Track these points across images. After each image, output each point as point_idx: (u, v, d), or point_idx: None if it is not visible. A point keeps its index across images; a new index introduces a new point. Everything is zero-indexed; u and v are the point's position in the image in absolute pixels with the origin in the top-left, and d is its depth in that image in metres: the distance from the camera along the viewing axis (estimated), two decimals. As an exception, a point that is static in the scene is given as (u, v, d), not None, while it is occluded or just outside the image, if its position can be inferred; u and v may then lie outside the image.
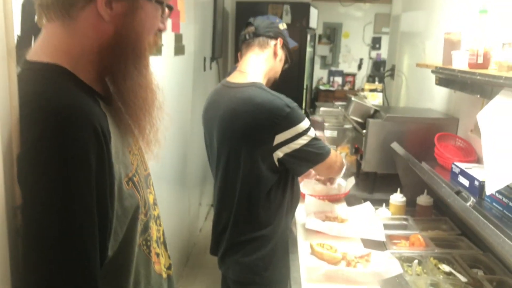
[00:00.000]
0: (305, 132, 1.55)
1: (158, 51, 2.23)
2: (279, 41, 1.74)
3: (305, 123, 1.56)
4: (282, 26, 2.25)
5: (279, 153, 1.54)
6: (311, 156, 1.59)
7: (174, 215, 2.86)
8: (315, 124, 2.25)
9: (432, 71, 1.98)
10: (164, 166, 2.51)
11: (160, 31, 0.90)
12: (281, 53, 1.75)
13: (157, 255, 0.98)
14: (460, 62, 1.74)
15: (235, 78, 1.70)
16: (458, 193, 1.41)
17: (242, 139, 1.57)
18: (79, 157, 0.70)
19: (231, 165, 1.62)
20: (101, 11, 0.78)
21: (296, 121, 1.53)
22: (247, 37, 1.73)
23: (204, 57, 3.65)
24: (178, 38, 2.66)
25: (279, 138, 1.52)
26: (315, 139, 1.59)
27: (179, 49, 2.69)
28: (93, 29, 0.79)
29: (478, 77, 1.50)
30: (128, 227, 0.83)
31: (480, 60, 1.60)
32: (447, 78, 1.85)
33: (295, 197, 1.72)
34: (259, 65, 1.71)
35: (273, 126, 1.51)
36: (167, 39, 2.40)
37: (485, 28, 1.63)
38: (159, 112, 0.90)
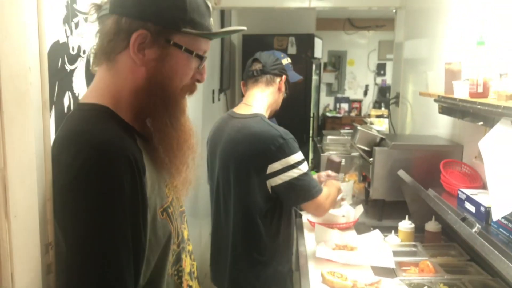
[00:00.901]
0: (296, 164, 1.62)
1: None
2: (283, 77, 1.87)
3: (298, 156, 1.64)
4: (287, 60, 2.38)
5: (271, 182, 1.63)
6: (299, 191, 1.65)
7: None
8: (330, 164, 2.29)
9: (435, 100, 2.04)
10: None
11: (198, 81, 0.96)
12: (284, 88, 1.89)
13: (190, 287, 1.03)
14: (461, 92, 1.80)
15: (241, 109, 1.82)
16: (463, 219, 1.45)
17: (241, 165, 1.67)
18: (115, 186, 0.77)
19: (231, 190, 1.71)
20: (133, 55, 0.86)
21: (289, 153, 1.62)
22: (255, 73, 1.84)
23: (213, 89, 3.76)
24: (188, 73, 2.76)
25: (271, 168, 1.62)
26: (305, 174, 1.64)
27: (189, 84, 2.79)
28: (130, 71, 0.88)
29: (479, 106, 1.56)
30: (160, 256, 0.89)
31: (480, 90, 1.66)
32: (450, 107, 1.91)
33: (292, 226, 1.79)
34: (264, 99, 1.84)
35: (267, 155, 1.62)
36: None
37: (483, 59, 1.70)
38: (191, 153, 0.97)
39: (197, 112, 3.16)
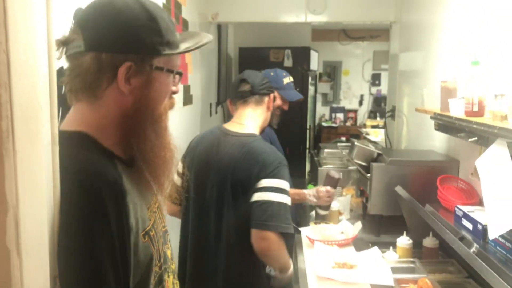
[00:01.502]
0: (283, 191, 1.64)
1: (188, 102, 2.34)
2: (271, 96, 1.93)
3: (287, 185, 1.67)
4: (289, 79, 2.46)
5: (254, 196, 1.63)
6: (266, 215, 1.60)
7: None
8: (329, 180, 2.33)
9: (431, 117, 2.07)
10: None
11: (174, 93, 1.00)
12: (272, 106, 1.94)
13: None
14: (456, 110, 1.83)
15: (233, 127, 1.85)
16: (461, 239, 1.47)
17: (240, 182, 1.68)
18: (97, 210, 0.80)
19: (225, 205, 1.71)
20: (122, 88, 0.88)
21: (282, 177, 1.65)
22: (244, 95, 1.88)
23: (210, 102, 3.78)
24: (187, 89, 2.78)
25: (261, 183, 1.64)
26: (286, 205, 1.63)
27: (187, 99, 2.81)
28: (115, 103, 0.90)
29: (475, 126, 1.58)
30: (141, 279, 0.91)
31: (475, 108, 1.68)
32: (446, 125, 1.94)
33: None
34: (255, 119, 1.88)
35: (264, 169, 1.64)
36: (177, 91, 2.52)
37: (478, 78, 1.73)
38: (176, 169, 1.01)
39: (196, 126, 3.18)
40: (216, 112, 4.13)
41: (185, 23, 2.79)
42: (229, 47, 4.73)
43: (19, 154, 0.67)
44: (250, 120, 1.87)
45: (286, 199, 1.64)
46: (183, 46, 0.96)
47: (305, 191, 2.34)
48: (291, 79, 2.52)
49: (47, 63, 0.72)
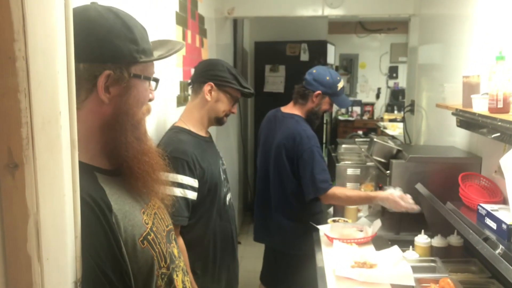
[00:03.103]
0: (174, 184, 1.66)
1: (185, 100, 2.33)
2: (207, 85, 1.81)
3: (180, 178, 1.67)
4: (342, 83, 2.48)
5: None
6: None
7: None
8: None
9: (453, 113, 2.02)
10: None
11: (150, 100, 1.01)
12: (215, 95, 1.82)
13: None
14: (480, 106, 1.78)
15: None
16: (486, 239, 1.43)
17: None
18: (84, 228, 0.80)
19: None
20: (102, 97, 0.88)
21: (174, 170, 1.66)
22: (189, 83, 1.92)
23: (226, 98, 3.76)
24: (203, 86, 2.77)
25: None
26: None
27: (204, 96, 2.80)
28: (93, 113, 0.90)
29: (499, 123, 1.54)
30: (144, 283, 0.91)
31: (500, 105, 1.63)
32: (468, 121, 1.89)
33: None
34: (189, 110, 1.87)
35: None
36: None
37: (503, 74, 1.68)
38: (164, 171, 1.03)
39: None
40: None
41: (201, 19, 2.77)
42: (245, 41, 4.70)
43: (39, 161, 0.67)
44: (186, 111, 1.88)
45: (173, 191, 1.63)
46: (156, 54, 0.97)
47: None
48: (343, 84, 2.48)
49: (66, 69, 0.71)
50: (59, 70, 0.68)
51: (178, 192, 1.65)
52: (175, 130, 1.80)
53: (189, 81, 1.92)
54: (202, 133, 1.85)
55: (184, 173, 1.66)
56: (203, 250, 1.77)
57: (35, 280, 0.68)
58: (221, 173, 1.88)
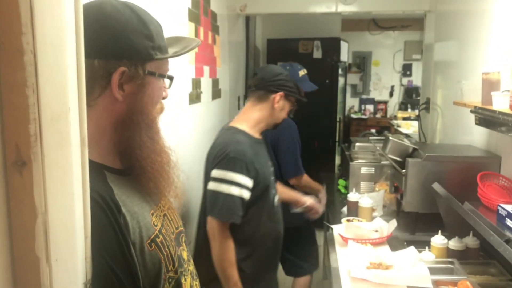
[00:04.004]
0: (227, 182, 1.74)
1: (197, 98, 2.31)
2: (278, 95, 1.91)
3: (235, 176, 1.75)
4: (303, 72, 2.67)
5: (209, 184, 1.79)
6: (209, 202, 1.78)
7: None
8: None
9: (471, 111, 1.97)
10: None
11: (164, 98, 0.98)
12: (282, 104, 1.93)
13: None
14: (500, 103, 1.73)
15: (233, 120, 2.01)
16: (508, 241, 1.38)
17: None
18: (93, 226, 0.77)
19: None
20: (116, 94, 0.85)
21: (229, 169, 1.75)
22: (252, 88, 1.98)
23: (238, 96, 3.74)
24: (215, 83, 2.75)
25: (213, 173, 1.78)
26: (227, 195, 1.74)
27: (216, 93, 2.78)
28: (107, 111, 0.87)
29: (521, 121, 1.49)
30: (153, 287, 0.88)
31: (521, 102, 1.59)
32: (488, 119, 1.84)
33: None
34: (250, 113, 1.94)
35: (214, 161, 1.80)
36: (206, 86, 2.49)
37: (525, 70, 1.63)
38: (175, 171, 0.98)
39: (224, 119, 3.14)
40: (244, 105, 4.09)
41: (213, 16, 2.75)
42: (257, 39, 4.67)
43: (48, 158, 0.64)
44: (243, 113, 1.96)
45: (231, 190, 1.74)
46: (171, 51, 0.95)
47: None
48: (305, 71, 2.72)
49: (76, 64, 0.69)
50: (68, 65, 0.66)
51: (236, 191, 1.74)
52: (233, 131, 1.88)
53: (250, 85, 2.00)
54: (256, 135, 1.93)
55: (242, 173, 1.74)
56: (251, 249, 1.85)
57: (43, 282, 0.66)
58: (271, 175, 1.95)
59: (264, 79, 1.92)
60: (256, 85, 1.94)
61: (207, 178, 1.83)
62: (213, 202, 1.76)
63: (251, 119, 1.92)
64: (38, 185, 0.64)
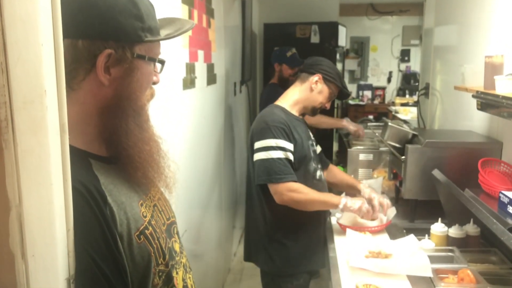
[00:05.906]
0: (268, 148, 1.88)
1: (191, 83, 2.25)
2: (315, 77, 2.05)
3: (274, 142, 1.89)
4: (291, 52, 3.05)
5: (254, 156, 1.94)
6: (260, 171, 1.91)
7: (208, 239, 2.85)
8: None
9: (473, 96, 1.91)
10: (201, 188, 2.52)
11: (154, 83, 0.92)
12: (320, 87, 2.06)
13: None
14: (504, 87, 1.68)
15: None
16: (511, 230, 1.34)
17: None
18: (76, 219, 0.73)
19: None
20: (101, 78, 0.80)
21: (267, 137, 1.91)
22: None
23: (234, 82, 3.67)
24: (210, 68, 2.68)
25: (255, 145, 1.94)
26: (273, 159, 1.87)
27: (211, 79, 2.71)
28: (92, 95, 0.81)
29: (526, 106, 1.44)
30: (141, 281, 0.84)
31: (526, 86, 1.54)
32: (490, 104, 1.79)
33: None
34: (292, 94, 2.10)
35: (253, 134, 1.98)
36: (200, 70, 2.42)
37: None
38: (164, 161, 0.93)
39: (220, 106, 3.09)
40: (241, 92, 4.02)
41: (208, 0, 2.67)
42: (254, 23, 4.57)
43: (21, 145, 0.59)
44: (285, 94, 2.11)
45: (278, 154, 1.88)
46: (163, 33, 0.88)
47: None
48: (294, 51, 3.02)
49: (52, 41, 0.63)
50: (43, 43, 0.60)
51: (281, 154, 1.88)
52: (272, 107, 2.05)
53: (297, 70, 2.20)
54: (295, 113, 2.07)
55: (284, 138, 1.89)
56: (291, 222, 1.96)
57: (19, 280, 0.61)
58: (311, 150, 2.06)
59: (307, 63, 2.09)
60: (301, 69, 2.11)
61: (252, 152, 1.96)
62: (266, 171, 1.87)
63: (291, 99, 2.07)
64: (10, 175, 0.59)
